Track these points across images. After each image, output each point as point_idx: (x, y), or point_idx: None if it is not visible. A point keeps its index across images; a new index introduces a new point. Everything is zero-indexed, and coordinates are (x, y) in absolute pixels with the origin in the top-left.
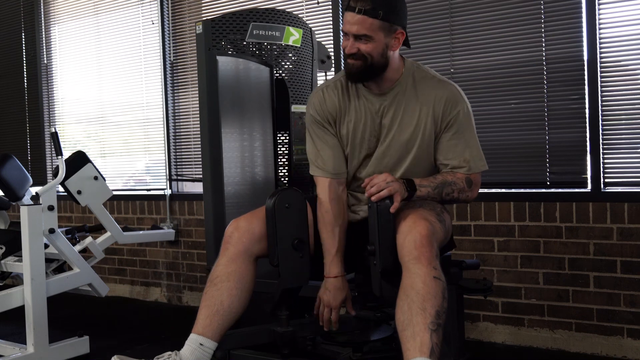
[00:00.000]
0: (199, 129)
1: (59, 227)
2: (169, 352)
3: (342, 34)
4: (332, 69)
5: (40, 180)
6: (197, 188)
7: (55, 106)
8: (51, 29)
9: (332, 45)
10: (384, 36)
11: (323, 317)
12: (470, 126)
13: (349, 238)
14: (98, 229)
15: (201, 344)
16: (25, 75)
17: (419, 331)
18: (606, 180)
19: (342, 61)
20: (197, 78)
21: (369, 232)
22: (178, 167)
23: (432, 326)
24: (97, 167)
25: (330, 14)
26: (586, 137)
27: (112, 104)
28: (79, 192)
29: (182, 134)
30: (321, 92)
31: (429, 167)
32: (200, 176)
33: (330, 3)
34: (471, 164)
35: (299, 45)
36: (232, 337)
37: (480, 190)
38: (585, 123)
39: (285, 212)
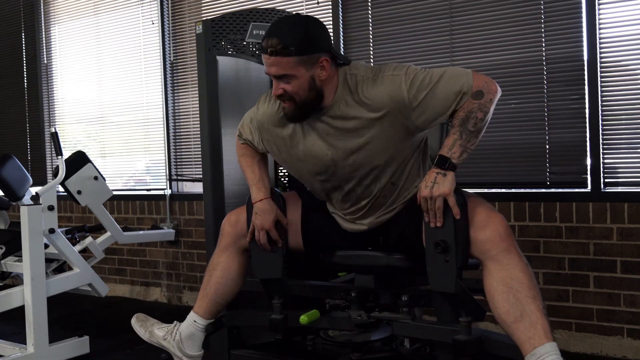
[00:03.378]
0: (199, 129)
1: (59, 227)
2: (176, 322)
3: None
4: None
5: (40, 180)
6: (197, 188)
7: (55, 106)
8: (51, 29)
9: None
10: (305, 70)
11: (261, 242)
12: (425, 73)
13: (354, 243)
14: (98, 229)
15: (195, 321)
16: (25, 75)
17: (537, 319)
18: (606, 180)
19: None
20: (197, 78)
21: (426, 229)
22: (178, 167)
23: (545, 311)
24: (97, 167)
25: (330, 14)
26: (586, 137)
27: (112, 104)
28: (79, 192)
29: (182, 134)
30: (265, 102)
31: (407, 158)
32: (200, 176)
33: (330, 3)
34: (463, 88)
35: None
36: (231, 316)
37: (480, 191)
38: (585, 123)
39: None
